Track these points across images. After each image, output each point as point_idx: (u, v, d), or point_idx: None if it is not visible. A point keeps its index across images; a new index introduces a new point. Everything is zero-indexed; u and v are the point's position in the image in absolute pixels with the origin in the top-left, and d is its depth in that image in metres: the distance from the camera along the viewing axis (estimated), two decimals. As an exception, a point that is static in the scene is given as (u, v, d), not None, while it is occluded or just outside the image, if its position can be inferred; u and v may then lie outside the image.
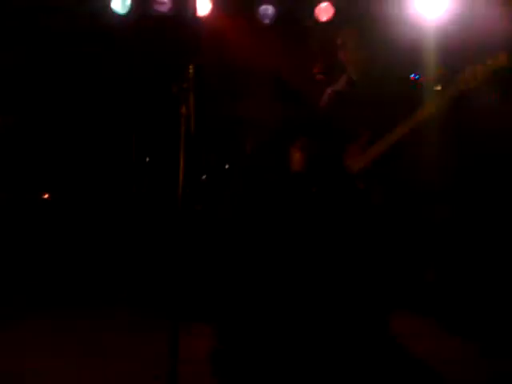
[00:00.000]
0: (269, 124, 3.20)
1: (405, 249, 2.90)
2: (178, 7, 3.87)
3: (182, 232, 1.84)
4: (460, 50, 3.09)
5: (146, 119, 3.77)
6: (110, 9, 3.89)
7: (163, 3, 3.89)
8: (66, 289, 3.63)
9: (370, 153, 2.95)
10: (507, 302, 2.94)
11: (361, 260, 2.58)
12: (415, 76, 3.16)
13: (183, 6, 3.82)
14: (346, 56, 3.16)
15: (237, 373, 2.27)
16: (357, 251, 2.57)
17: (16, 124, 4.01)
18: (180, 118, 1.83)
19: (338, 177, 2.66)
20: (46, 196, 3.98)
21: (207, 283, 2.96)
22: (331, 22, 4.23)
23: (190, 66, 1.77)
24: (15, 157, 4.02)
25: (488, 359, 2.57)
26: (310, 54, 3.87)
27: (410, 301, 3.27)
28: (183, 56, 1.84)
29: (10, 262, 3.67)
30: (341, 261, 2.51)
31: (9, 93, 3.94)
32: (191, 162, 3.59)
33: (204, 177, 3.65)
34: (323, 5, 4.22)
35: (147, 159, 3.78)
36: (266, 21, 4.24)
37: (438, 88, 2.83)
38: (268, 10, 4.22)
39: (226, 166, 3.63)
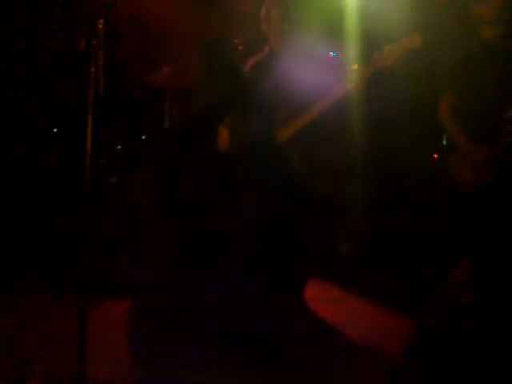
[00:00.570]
0: (196, 95, 3.03)
1: (321, 221, 2.95)
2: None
3: (90, 204, 1.70)
4: (378, 31, 3.16)
5: (54, 82, 3.46)
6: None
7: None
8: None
9: (292, 126, 2.95)
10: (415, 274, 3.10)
11: (279, 231, 2.59)
12: (333, 54, 3.19)
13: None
14: (269, 28, 3.12)
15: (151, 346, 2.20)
16: (276, 223, 2.56)
17: None
18: (88, 79, 1.67)
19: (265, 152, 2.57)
20: None
21: (119, 258, 2.82)
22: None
23: (100, 21, 1.61)
24: None
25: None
26: (231, 25, 3.76)
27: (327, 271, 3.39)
28: (92, 9, 1.67)
29: None
30: (261, 232, 2.49)
31: None
32: (103, 130, 3.41)
33: (119, 147, 3.46)
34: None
35: (55, 130, 3.49)
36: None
37: (356, 66, 2.89)
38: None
39: (143, 137, 3.46)
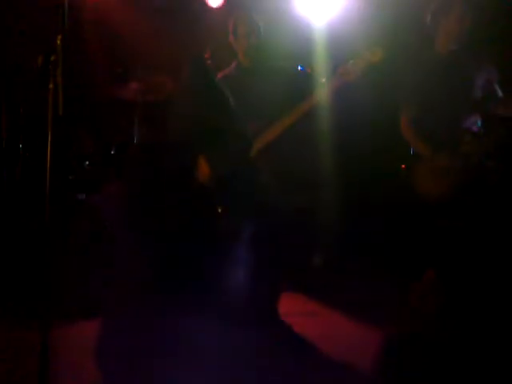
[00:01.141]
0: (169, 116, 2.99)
1: (295, 235, 2.96)
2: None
3: (51, 221, 1.66)
4: (344, 46, 3.23)
5: (18, 99, 3.40)
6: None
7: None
8: None
9: (261, 140, 2.96)
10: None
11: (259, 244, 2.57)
12: (301, 68, 3.24)
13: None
14: (236, 42, 3.15)
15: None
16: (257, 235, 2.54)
17: None
18: (47, 95, 1.64)
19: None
20: None
21: (86, 277, 2.77)
22: (222, 9, 4.17)
23: (58, 37, 1.59)
24: None
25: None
26: (199, 39, 3.77)
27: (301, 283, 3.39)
28: (51, 24, 1.64)
29: None
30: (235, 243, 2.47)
31: None
32: (66, 146, 3.36)
33: (87, 163, 3.41)
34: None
35: (20, 145, 3.42)
36: (156, 3, 4.06)
37: (323, 80, 2.94)
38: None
39: (112, 152, 3.43)
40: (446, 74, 2.75)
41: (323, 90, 2.85)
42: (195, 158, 2.35)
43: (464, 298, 1.98)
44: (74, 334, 2.50)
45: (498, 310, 2.05)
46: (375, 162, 3.63)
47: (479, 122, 2.82)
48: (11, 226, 3.31)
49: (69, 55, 1.68)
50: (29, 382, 1.99)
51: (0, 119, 3.40)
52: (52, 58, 1.62)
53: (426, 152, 2.79)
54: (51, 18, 1.77)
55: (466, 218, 2.42)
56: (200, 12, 3.93)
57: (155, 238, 2.31)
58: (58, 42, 1.60)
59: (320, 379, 2.26)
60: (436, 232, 2.46)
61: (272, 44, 3.26)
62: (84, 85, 3.49)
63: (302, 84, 3.01)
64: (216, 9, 4.19)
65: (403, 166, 3.51)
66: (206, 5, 4.12)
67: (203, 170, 2.37)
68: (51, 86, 1.63)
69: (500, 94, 2.83)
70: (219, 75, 3.20)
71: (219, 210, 2.37)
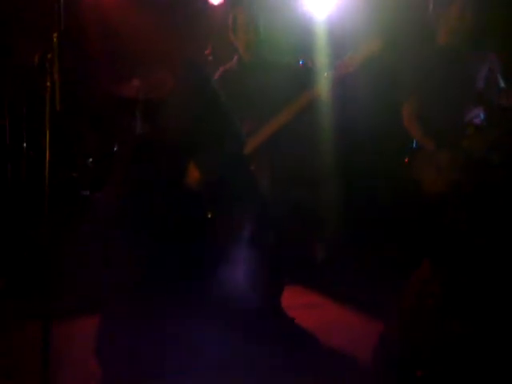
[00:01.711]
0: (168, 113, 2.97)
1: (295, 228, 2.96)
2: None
3: (50, 220, 1.68)
4: (344, 39, 3.21)
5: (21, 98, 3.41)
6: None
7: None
8: None
9: (261, 134, 2.96)
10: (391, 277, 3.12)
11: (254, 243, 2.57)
12: (301, 62, 3.22)
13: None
14: (236, 37, 3.14)
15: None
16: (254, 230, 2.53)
17: None
18: (44, 93, 1.65)
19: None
20: None
21: (87, 274, 2.79)
22: (223, 5, 4.16)
23: (54, 34, 1.59)
24: None
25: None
26: (201, 35, 3.77)
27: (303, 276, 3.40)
28: (47, 22, 1.65)
29: None
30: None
31: None
32: (69, 143, 3.37)
33: (90, 160, 3.42)
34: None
35: (24, 145, 3.43)
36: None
37: (324, 74, 2.92)
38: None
39: (115, 149, 3.43)
40: (448, 66, 2.72)
41: (323, 84, 2.83)
42: (186, 161, 2.32)
43: (465, 291, 1.97)
44: (75, 331, 2.53)
45: (500, 305, 2.03)
46: (377, 155, 3.61)
47: (482, 115, 2.80)
48: (16, 224, 3.34)
49: (70, 53, 1.69)
50: (30, 378, 2.00)
51: (3, 118, 3.42)
52: (49, 55, 1.63)
53: (428, 146, 2.76)
54: (49, 15, 1.77)
55: (469, 213, 2.39)
56: (201, 9, 3.93)
57: (146, 237, 2.29)
58: (55, 39, 1.61)
59: (320, 369, 2.28)
60: (438, 226, 2.44)
61: (272, 38, 3.25)
62: (86, 82, 3.50)
63: (303, 78, 2.99)
64: (217, 5, 4.20)
65: (406, 159, 3.49)
66: (207, 2, 4.13)
67: (193, 174, 2.34)
68: (48, 83, 1.64)
69: (503, 84, 2.80)
70: (220, 70, 3.20)
71: (209, 216, 2.34)
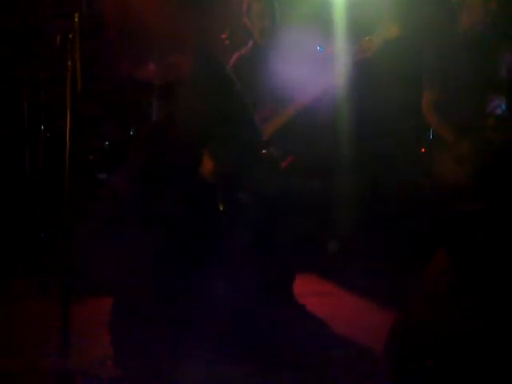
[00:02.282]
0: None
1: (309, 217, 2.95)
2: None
3: (71, 203, 1.70)
4: (361, 23, 3.17)
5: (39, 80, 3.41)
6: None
7: None
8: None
9: (277, 120, 2.95)
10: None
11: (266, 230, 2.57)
12: (319, 49, 3.19)
13: None
14: (252, 22, 3.12)
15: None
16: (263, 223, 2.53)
17: None
18: (66, 74, 1.67)
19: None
20: None
21: (105, 254, 2.82)
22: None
23: (76, 15, 1.60)
24: None
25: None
26: (217, 19, 3.75)
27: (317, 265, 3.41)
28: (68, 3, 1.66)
29: None
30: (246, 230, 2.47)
31: None
32: (84, 126, 3.38)
33: (106, 143, 3.44)
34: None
35: (42, 127, 3.45)
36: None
37: (342, 59, 2.88)
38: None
39: (131, 133, 3.45)
40: (471, 54, 2.67)
41: (341, 69, 2.80)
42: (201, 150, 2.31)
43: (481, 281, 1.95)
44: (92, 309, 2.58)
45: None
46: (393, 144, 3.57)
47: (504, 105, 2.74)
48: (33, 207, 3.38)
49: (87, 36, 1.70)
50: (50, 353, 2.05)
51: (22, 101, 3.44)
52: (70, 35, 1.64)
53: (448, 136, 2.70)
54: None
55: (487, 204, 2.36)
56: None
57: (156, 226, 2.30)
58: (76, 19, 1.62)
59: (331, 356, 2.29)
60: (455, 216, 2.41)
61: (288, 23, 3.22)
62: (102, 65, 3.51)
63: (319, 64, 2.96)
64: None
65: (423, 149, 3.46)
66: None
67: (207, 164, 2.33)
68: (69, 63, 1.65)
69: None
70: (236, 55, 3.19)
71: (221, 208, 2.33)
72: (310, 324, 2.68)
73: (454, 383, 1.84)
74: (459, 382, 1.84)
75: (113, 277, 2.34)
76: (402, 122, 3.44)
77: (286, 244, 2.69)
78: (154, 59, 3.44)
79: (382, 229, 3.52)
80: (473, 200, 2.40)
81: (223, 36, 3.61)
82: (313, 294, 3.06)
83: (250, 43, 3.20)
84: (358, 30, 2.96)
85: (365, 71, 2.81)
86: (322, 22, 3.35)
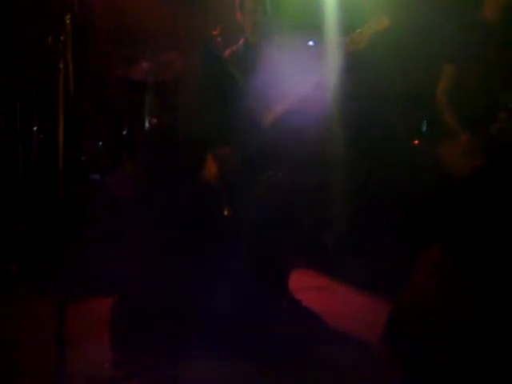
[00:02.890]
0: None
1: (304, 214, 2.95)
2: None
3: (65, 203, 1.70)
4: (352, 17, 3.15)
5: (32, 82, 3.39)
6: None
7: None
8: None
9: (271, 115, 2.94)
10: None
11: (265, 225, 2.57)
12: (313, 43, 3.18)
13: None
14: (244, 18, 3.10)
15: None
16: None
17: None
18: (57, 75, 1.66)
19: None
20: None
21: (101, 255, 2.81)
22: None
23: (67, 16, 1.59)
24: None
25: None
26: (208, 16, 3.73)
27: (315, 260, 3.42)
28: (59, 5, 1.65)
29: None
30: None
31: None
32: (79, 127, 3.37)
33: (100, 144, 3.42)
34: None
35: (35, 128, 3.43)
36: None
37: (334, 53, 2.86)
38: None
39: (124, 133, 3.43)
40: (487, 43, 2.57)
41: (333, 63, 2.79)
42: (204, 154, 2.29)
43: (477, 274, 1.96)
44: (87, 311, 2.58)
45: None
46: (388, 136, 3.57)
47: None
48: (30, 206, 3.36)
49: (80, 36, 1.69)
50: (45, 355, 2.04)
51: (13, 102, 3.42)
52: (61, 37, 1.63)
53: (456, 127, 2.61)
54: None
55: (490, 198, 2.32)
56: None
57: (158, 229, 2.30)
58: (67, 21, 1.61)
59: (329, 350, 2.30)
60: (457, 210, 2.37)
61: (280, 18, 3.20)
62: (95, 65, 3.48)
63: (311, 58, 2.95)
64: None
65: (416, 141, 3.46)
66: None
67: (211, 168, 2.31)
68: (61, 65, 1.64)
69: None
70: (227, 52, 3.17)
71: (225, 212, 2.31)
72: (306, 318, 2.69)
73: (449, 371, 1.86)
74: (454, 370, 1.85)
75: (111, 279, 2.34)
76: (394, 114, 3.43)
77: (284, 239, 2.70)
78: (147, 58, 3.43)
79: (380, 224, 3.53)
80: (474, 193, 2.37)
81: (215, 33, 3.59)
82: (309, 288, 3.08)
83: (242, 40, 3.18)
84: (350, 22, 2.94)
85: (356, 63, 2.79)
86: (314, 16, 3.34)
